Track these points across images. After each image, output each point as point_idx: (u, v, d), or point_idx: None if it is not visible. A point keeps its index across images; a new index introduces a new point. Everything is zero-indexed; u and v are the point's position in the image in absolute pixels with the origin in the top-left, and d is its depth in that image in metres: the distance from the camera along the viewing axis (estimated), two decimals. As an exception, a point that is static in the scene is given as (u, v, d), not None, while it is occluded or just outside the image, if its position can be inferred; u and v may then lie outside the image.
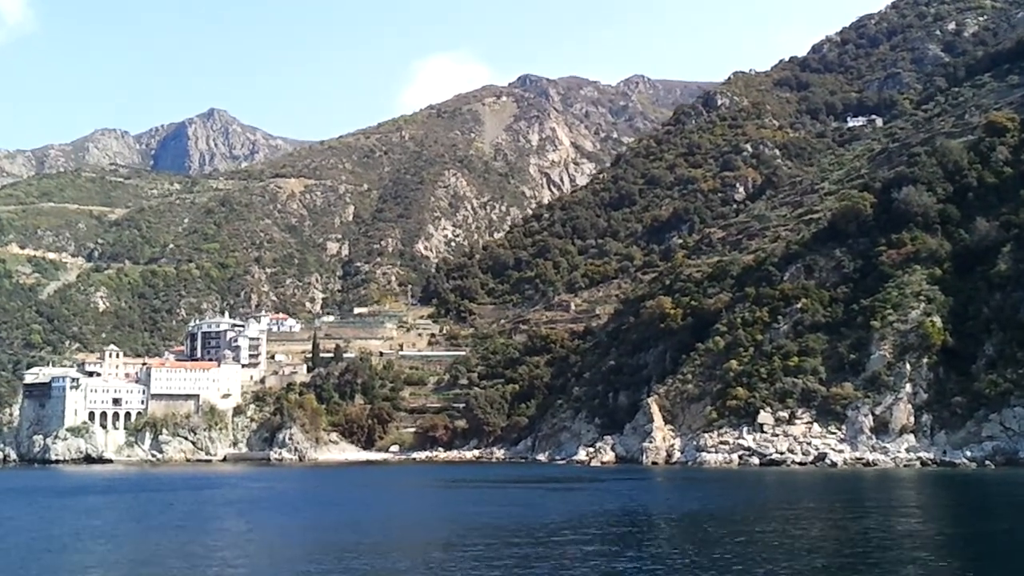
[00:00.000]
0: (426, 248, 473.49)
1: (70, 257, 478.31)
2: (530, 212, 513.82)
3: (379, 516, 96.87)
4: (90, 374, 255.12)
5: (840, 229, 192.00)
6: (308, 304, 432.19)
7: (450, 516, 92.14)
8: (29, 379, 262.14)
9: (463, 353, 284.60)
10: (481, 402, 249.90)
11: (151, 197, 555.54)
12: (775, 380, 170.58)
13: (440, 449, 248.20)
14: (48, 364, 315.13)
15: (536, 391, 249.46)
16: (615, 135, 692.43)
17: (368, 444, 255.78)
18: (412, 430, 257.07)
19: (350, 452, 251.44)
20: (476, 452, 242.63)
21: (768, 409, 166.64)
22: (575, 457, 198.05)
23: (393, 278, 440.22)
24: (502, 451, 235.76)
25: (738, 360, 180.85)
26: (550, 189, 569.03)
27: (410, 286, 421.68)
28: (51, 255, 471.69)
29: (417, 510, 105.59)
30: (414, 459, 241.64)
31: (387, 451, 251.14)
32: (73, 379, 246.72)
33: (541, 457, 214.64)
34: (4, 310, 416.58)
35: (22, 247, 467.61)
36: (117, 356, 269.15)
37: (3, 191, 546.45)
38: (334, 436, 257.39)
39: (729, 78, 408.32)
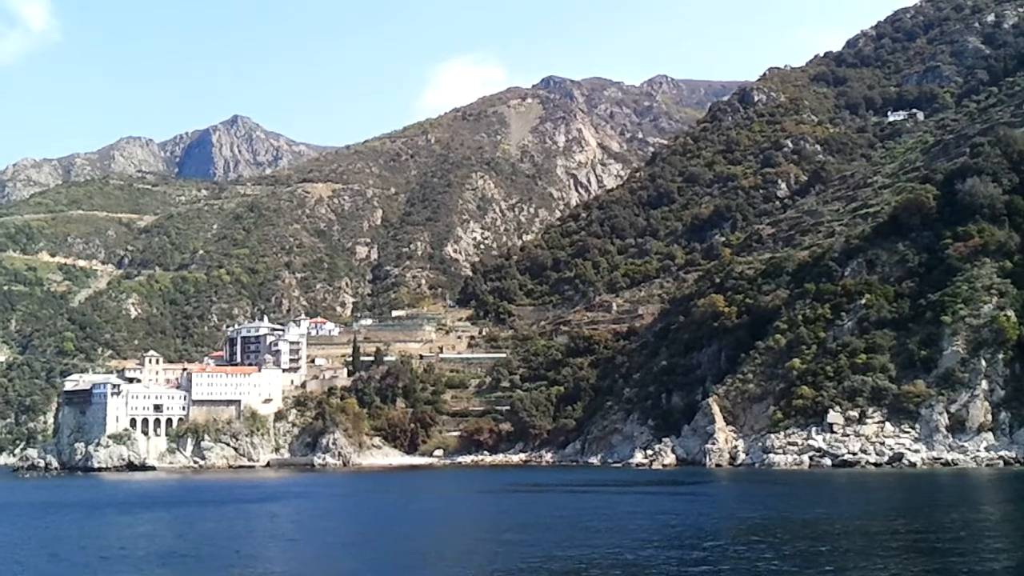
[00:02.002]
0: (455, 251, 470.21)
1: (100, 264, 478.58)
2: (558, 213, 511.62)
3: (512, 528, 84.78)
4: (130, 380, 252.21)
5: (902, 222, 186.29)
6: (339, 308, 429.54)
7: (591, 528, 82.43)
8: (69, 386, 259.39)
9: (504, 355, 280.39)
10: (526, 404, 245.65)
11: (179, 204, 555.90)
12: (843, 378, 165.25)
13: (485, 453, 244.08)
14: (82, 371, 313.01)
15: (582, 393, 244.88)
16: (640, 135, 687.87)
17: (411, 448, 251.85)
18: (456, 434, 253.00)
19: (393, 457, 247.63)
20: (523, 455, 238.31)
21: (837, 408, 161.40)
22: (631, 460, 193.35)
23: (423, 281, 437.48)
24: (550, 454, 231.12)
25: (801, 358, 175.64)
26: (577, 190, 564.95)
27: (441, 289, 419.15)
28: (81, 262, 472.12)
29: (542, 521, 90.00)
30: (459, 463, 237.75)
31: (431, 455, 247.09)
32: (114, 385, 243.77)
33: (593, 460, 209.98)
34: (36, 318, 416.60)
35: (52, 255, 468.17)
36: (157, 362, 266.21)
37: (32, 199, 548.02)
38: (377, 440, 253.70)
39: (764, 74, 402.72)
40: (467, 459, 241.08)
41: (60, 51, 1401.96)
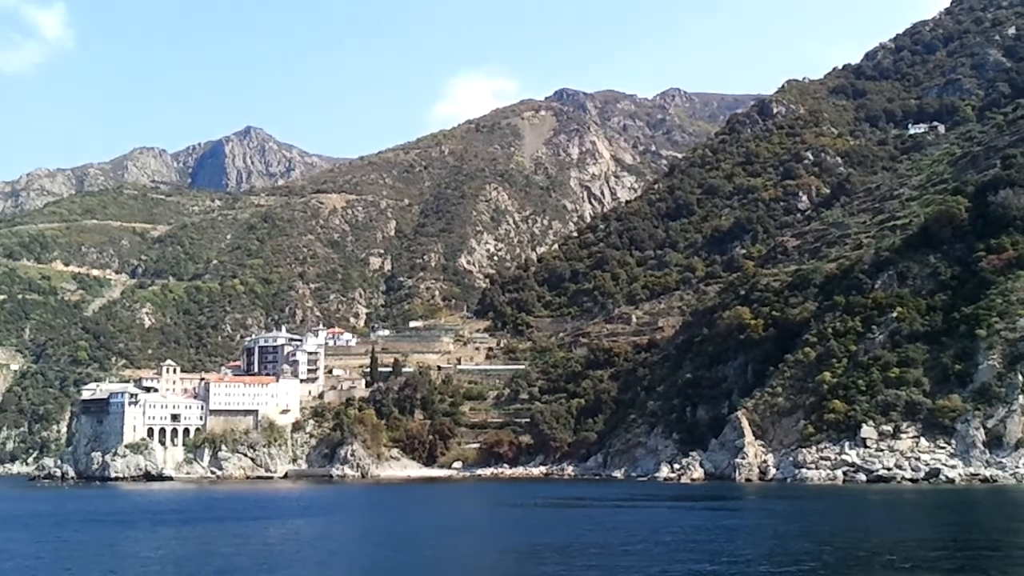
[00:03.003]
0: (469, 263, 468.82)
1: (114, 274, 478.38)
2: (572, 225, 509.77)
3: (594, 546, 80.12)
4: (147, 390, 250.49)
5: (934, 234, 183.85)
6: (352, 319, 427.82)
7: (671, 544, 79.17)
8: (86, 395, 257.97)
9: (522, 367, 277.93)
10: (547, 417, 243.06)
11: (192, 214, 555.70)
12: (876, 392, 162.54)
13: (505, 465, 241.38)
14: (96, 380, 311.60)
15: (603, 405, 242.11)
16: (653, 148, 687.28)
17: (430, 460, 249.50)
18: (475, 446, 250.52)
19: (412, 468, 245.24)
20: (543, 468, 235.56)
21: (871, 423, 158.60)
22: (657, 474, 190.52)
23: (437, 292, 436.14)
24: (571, 467, 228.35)
25: (832, 372, 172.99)
26: (591, 203, 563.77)
27: (455, 300, 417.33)
28: (95, 272, 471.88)
29: (620, 539, 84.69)
30: (479, 476, 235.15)
31: (450, 467, 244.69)
32: (132, 395, 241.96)
33: (617, 474, 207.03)
34: (50, 327, 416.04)
35: (66, 264, 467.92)
36: (174, 371, 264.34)
37: (46, 208, 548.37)
38: (395, 452, 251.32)
39: (783, 86, 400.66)
40: (487, 471, 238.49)
41: (74, 61, 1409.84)
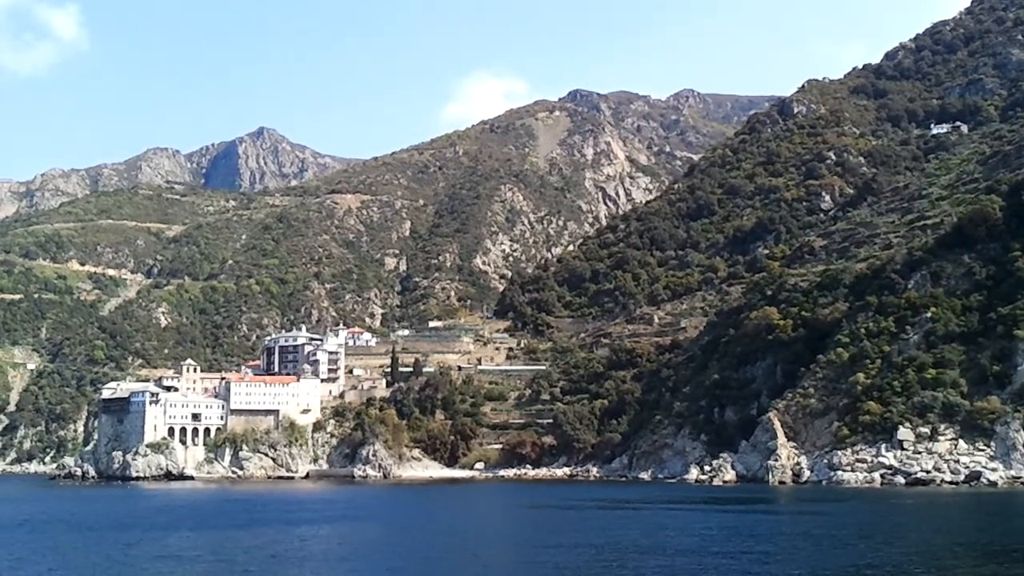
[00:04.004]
0: (484, 263, 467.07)
1: (129, 273, 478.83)
2: (587, 226, 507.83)
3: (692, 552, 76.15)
4: (168, 389, 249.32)
5: (968, 234, 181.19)
6: (368, 319, 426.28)
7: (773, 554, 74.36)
8: (106, 394, 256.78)
9: (543, 367, 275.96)
10: (570, 418, 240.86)
11: (207, 214, 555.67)
12: (912, 394, 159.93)
13: (528, 466, 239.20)
14: (112, 380, 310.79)
15: (627, 406, 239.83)
16: (668, 149, 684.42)
17: (452, 461, 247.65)
18: (497, 446, 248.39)
19: (434, 469, 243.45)
20: (567, 470, 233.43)
21: (907, 425, 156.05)
22: (687, 476, 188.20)
23: (452, 293, 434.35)
24: (596, 469, 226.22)
25: (866, 373, 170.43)
26: (606, 203, 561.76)
27: (470, 301, 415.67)
28: (111, 271, 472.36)
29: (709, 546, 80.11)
30: (502, 477, 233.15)
31: (472, 468, 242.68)
32: (152, 394, 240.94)
33: (643, 475, 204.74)
34: (66, 326, 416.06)
35: (82, 263, 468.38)
36: (195, 371, 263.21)
37: (62, 208, 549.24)
38: (416, 452, 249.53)
39: (803, 86, 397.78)
40: (509, 472, 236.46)
41: (88, 62, 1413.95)
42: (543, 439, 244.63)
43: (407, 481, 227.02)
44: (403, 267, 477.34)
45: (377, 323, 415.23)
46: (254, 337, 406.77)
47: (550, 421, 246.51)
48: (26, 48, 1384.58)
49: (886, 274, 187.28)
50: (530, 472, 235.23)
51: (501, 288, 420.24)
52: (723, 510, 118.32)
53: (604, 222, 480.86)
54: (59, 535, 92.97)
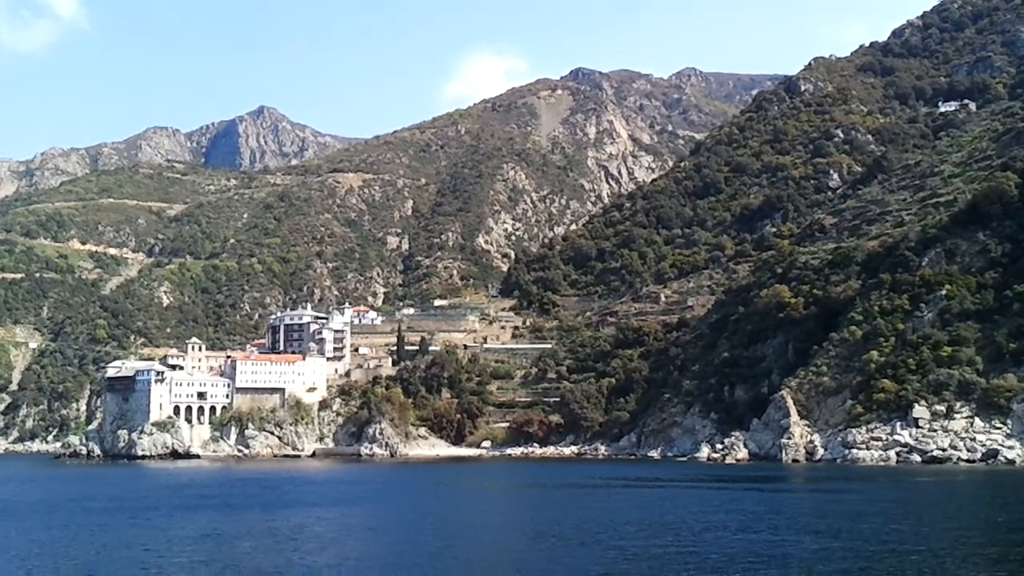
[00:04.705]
0: (486, 242, 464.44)
1: (131, 252, 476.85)
2: (590, 205, 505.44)
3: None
4: (173, 367, 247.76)
5: (983, 211, 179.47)
6: (370, 298, 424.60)
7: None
8: (111, 372, 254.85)
9: (549, 346, 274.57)
10: (577, 396, 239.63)
11: (208, 193, 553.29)
12: (927, 371, 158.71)
13: (535, 445, 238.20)
14: (115, 359, 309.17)
15: (634, 385, 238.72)
16: (670, 128, 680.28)
17: (458, 439, 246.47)
18: (504, 425, 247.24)
19: (440, 448, 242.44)
20: (575, 448, 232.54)
21: (923, 403, 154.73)
22: (697, 455, 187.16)
23: (455, 272, 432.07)
24: (604, 447, 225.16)
25: (879, 351, 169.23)
26: (608, 182, 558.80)
27: (473, 280, 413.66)
28: (112, 250, 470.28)
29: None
30: (509, 455, 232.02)
31: (479, 447, 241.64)
32: (158, 373, 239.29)
33: (652, 454, 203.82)
34: (68, 305, 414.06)
35: (83, 243, 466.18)
36: (200, 349, 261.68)
37: (62, 187, 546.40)
38: (423, 431, 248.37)
39: (810, 64, 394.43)
40: (516, 451, 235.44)
41: (87, 40, 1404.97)
42: (550, 417, 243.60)
43: (414, 459, 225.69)
44: (405, 246, 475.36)
45: (380, 302, 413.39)
46: (256, 316, 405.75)
47: (557, 399, 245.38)
48: (24, 26, 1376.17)
49: (900, 252, 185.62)
50: (537, 450, 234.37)
51: (504, 267, 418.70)
52: (754, 488, 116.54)
53: (607, 201, 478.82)
54: (84, 517, 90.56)
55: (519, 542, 72.72)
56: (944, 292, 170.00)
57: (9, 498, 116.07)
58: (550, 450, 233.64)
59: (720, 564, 58.96)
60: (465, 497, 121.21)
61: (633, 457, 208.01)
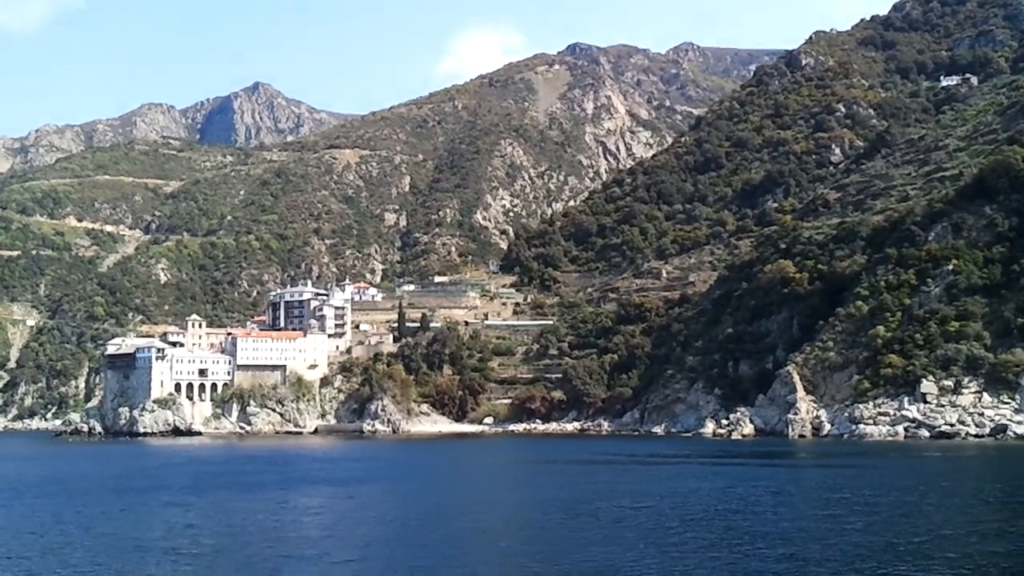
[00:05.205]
0: (484, 218, 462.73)
1: (127, 229, 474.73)
2: (588, 181, 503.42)
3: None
4: (173, 344, 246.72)
5: (989, 185, 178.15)
6: (368, 275, 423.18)
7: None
8: (111, 350, 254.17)
9: (550, 322, 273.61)
10: (579, 372, 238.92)
11: (204, 169, 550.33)
12: (934, 347, 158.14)
13: (537, 421, 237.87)
14: (113, 336, 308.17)
15: (637, 361, 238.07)
16: (668, 103, 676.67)
17: (460, 416, 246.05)
18: (506, 401, 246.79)
19: (443, 424, 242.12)
20: (577, 424, 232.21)
21: (930, 378, 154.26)
22: (702, 430, 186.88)
23: (453, 248, 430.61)
24: (608, 423, 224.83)
25: (886, 326, 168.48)
26: (606, 158, 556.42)
27: (471, 256, 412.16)
28: (108, 227, 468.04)
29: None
30: (512, 431, 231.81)
31: (481, 423, 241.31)
32: (159, 350, 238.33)
33: (657, 430, 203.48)
34: (65, 282, 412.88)
35: (80, 220, 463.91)
36: (200, 326, 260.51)
37: (58, 164, 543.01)
38: (425, 407, 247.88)
39: (810, 37, 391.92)
40: (519, 427, 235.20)
41: (82, 16, 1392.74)
42: (552, 394, 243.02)
43: (416, 436, 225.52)
44: (403, 223, 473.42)
45: (378, 279, 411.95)
46: (255, 293, 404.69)
47: (559, 376, 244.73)
48: (19, 3, 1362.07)
49: (906, 226, 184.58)
50: (540, 427, 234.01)
51: (502, 243, 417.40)
52: (771, 464, 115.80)
53: (605, 177, 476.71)
54: (97, 497, 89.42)
55: (598, 530, 66.12)
56: (951, 267, 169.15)
57: (33, 476, 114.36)
58: (553, 426, 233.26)
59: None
60: (490, 474, 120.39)
61: (637, 433, 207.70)
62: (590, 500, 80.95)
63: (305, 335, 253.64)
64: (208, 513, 77.73)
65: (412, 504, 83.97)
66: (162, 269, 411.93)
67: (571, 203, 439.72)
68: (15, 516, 75.70)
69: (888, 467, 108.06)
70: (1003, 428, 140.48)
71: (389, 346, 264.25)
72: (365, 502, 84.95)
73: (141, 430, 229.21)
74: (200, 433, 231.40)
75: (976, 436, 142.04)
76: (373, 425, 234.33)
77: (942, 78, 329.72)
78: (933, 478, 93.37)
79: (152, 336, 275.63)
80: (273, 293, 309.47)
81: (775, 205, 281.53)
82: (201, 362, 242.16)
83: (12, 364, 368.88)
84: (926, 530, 60.64)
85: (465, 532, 66.27)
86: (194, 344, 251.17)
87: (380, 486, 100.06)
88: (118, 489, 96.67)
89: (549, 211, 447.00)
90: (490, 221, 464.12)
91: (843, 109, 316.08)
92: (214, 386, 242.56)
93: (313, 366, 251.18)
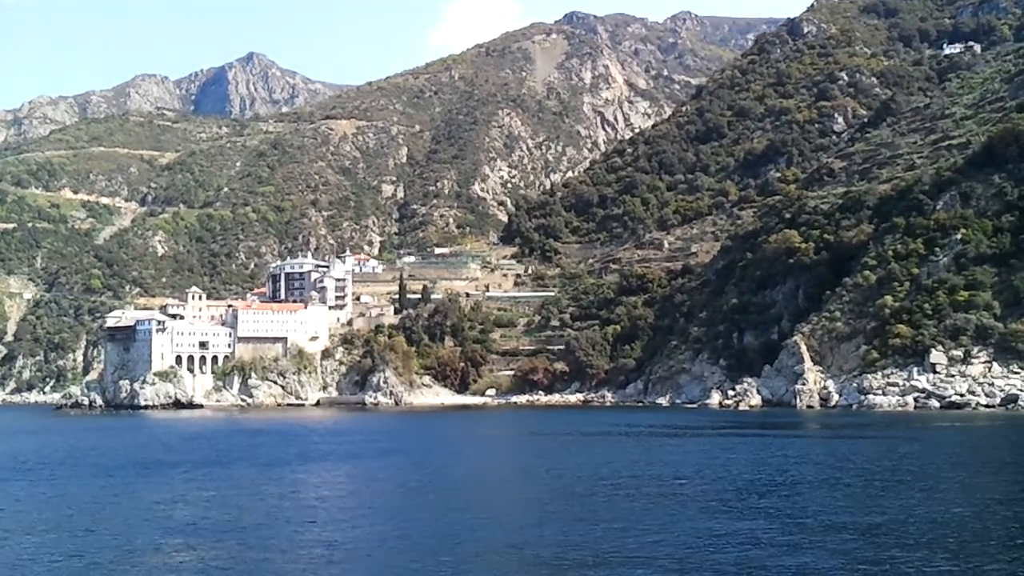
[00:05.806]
0: (482, 190, 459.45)
1: (123, 201, 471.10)
2: (586, 152, 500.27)
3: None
4: (173, 317, 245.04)
5: (998, 153, 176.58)
6: (366, 247, 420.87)
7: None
8: (111, 322, 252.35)
9: (552, 293, 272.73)
10: (582, 343, 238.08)
11: (200, 141, 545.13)
12: (943, 316, 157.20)
13: (540, 393, 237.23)
14: (110, 309, 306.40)
15: (639, 332, 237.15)
16: (666, 72, 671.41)
17: (462, 387, 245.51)
18: (508, 373, 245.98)
19: (445, 396, 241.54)
20: (580, 396, 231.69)
21: (940, 348, 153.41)
22: (708, 401, 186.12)
23: (451, 220, 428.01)
24: (611, 394, 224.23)
25: (894, 295, 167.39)
26: (604, 128, 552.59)
27: (469, 228, 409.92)
28: (104, 200, 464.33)
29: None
30: (514, 403, 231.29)
31: (483, 395, 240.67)
32: (159, 322, 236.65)
33: (661, 401, 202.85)
34: (61, 255, 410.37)
35: (75, 192, 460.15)
36: (200, 299, 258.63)
37: (52, 136, 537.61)
38: (426, 379, 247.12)
39: (812, 5, 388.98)
40: (522, 399, 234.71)
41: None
42: (555, 365, 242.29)
43: (419, 408, 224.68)
44: (401, 194, 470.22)
45: (376, 251, 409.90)
46: (252, 265, 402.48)
47: (561, 347, 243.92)
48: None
49: (913, 195, 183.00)
50: (543, 398, 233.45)
51: (500, 215, 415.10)
52: (795, 436, 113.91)
53: (603, 147, 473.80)
54: (115, 472, 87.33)
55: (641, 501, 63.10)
56: (959, 236, 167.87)
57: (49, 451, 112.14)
58: (555, 398, 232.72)
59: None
60: (504, 447, 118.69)
61: (641, 404, 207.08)
62: (637, 473, 77.86)
63: (306, 307, 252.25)
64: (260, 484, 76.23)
65: (464, 475, 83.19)
66: (159, 241, 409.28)
67: (569, 174, 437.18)
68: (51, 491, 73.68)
69: (931, 440, 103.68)
70: (1014, 398, 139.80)
71: (390, 318, 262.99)
72: (400, 474, 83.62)
73: (142, 403, 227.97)
74: (202, 406, 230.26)
75: (986, 406, 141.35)
76: (375, 397, 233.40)
77: (945, 46, 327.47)
78: (989, 452, 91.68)
79: (151, 308, 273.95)
80: (273, 265, 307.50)
81: (778, 175, 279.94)
82: (202, 335, 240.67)
83: (10, 337, 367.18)
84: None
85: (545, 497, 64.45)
86: (194, 316, 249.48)
87: (408, 458, 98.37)
88: (149, 464, 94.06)
89: (547, 182, 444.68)
90: (488, 192, 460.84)
91: (846, 77, 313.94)
92: (215, 359, 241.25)
93: (314, 338, 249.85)
